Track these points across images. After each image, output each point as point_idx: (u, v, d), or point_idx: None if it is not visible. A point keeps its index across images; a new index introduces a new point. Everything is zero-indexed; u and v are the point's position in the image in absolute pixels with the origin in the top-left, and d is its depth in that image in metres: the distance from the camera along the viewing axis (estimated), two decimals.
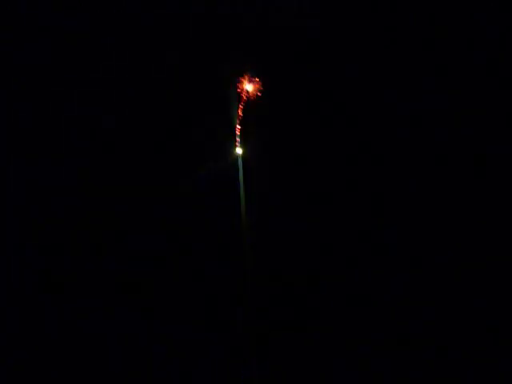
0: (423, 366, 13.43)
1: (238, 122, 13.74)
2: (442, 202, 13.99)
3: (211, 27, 14.24)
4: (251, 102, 13.78)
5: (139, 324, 13.61)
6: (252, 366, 13.38)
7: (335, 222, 14.05)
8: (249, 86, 13.78)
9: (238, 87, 13.76)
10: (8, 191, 13.88)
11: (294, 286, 13.90)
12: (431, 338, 13.50)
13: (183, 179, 13.94)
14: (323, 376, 13.55)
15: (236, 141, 13.85)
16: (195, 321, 13.71)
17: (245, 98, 13.70)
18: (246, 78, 13.79)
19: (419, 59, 14.16)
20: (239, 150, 13.91)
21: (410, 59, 14.17)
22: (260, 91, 13.75)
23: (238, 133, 13.78)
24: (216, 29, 14.22)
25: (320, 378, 13.55)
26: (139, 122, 14.19)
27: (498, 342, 13.29)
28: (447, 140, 14.03)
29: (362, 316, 13.70)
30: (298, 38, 14.26)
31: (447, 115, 14.06)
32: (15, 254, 13.74)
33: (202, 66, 14.15)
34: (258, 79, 13.73)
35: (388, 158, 14.19)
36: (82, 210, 13.91)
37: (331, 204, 14.12)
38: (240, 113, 13.71)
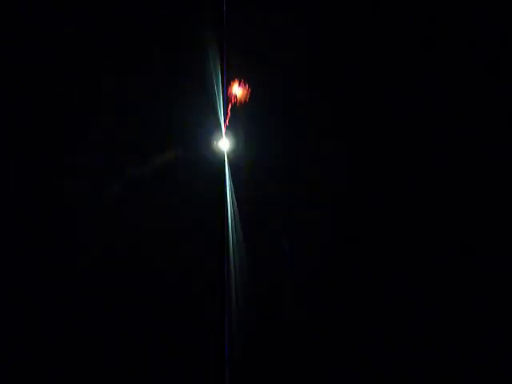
0: (423, 366, 13.46)
1: (225, 119, 13.76)
2: (441, 202, 14.02)
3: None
4: (239, 105, 13.84)
5: (138, 324, 13.65)
6: (250, 365, 13.41)
7: (333, 222, 14.08)
8: (238, 91, 13.85)
9: (227, 89, 13.83)
10: (8, 191, 13.91)
11: (294, 287, 13.93)
12: (431, 337, 13.53)
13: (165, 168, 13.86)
14: (323, 376, 13.59)
15: (222, 136, 13.81)
16: (195, 320, 13.75)
17: (233, 101, 13.76)
18: (237, 81, 13.86)
19: (419, 59, 14.17)
20: (225, 146, 13.81)
21: (410, 59, 14.18)
22: (249, 98, 13.81)
23: (224, 129, 13.79)
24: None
25: (320, 377, 13.58)
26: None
27: (497, 341, 13.31)
28: (447, 140, 14.05)
29: (362, 316, 13.74)
30: (297, 37, 14.29)
31: (447, 115, 14.09)
32: (15, 254, 13.77)
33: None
34: (248, 85, 13.80)
35: (387, 158, 14.22)
36: (82, 209, 13.95)
37: (328, 206, 14.14)
38: (228, 112, 13.75)
